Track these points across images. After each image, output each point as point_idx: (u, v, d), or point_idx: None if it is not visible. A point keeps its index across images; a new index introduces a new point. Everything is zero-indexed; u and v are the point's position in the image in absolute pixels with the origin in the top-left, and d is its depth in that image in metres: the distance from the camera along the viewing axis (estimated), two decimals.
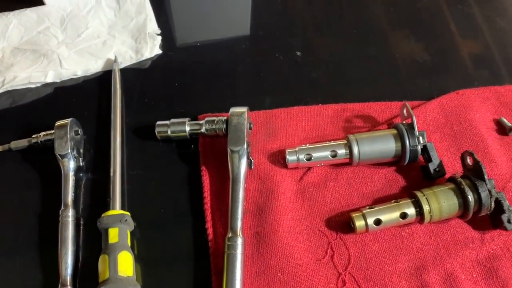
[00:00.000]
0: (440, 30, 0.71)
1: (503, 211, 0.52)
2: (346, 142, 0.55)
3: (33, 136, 0.57)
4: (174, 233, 0.53)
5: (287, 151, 0.56)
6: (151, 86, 0.64)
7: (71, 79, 0.64)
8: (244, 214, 0.53)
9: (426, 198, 0.51)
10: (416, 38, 0.69)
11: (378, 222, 0.51)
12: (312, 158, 0.55)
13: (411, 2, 0.73)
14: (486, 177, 0.51)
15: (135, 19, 0.68)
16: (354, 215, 0.52)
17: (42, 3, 0.68)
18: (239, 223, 0.50)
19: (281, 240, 0.51)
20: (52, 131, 0.55)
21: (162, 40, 0.68)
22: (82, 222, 0.53)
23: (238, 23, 0.72)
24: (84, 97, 0.63)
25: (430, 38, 0.69)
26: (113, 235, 0.49)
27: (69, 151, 0.54)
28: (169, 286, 0.50)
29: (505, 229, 0.52)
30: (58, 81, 0.64)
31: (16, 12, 0.68)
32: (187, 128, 0.57)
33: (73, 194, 0.53)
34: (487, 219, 0.54)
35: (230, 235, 0.50)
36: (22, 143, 0.57)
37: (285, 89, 0.64)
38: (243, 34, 0.70)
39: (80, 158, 0.56)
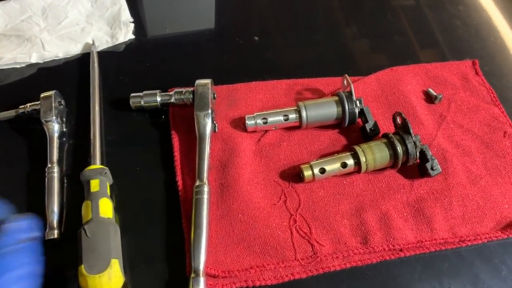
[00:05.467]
0: (378, 17, 0.82)
1: (427, 160, 0.62)
2: (296, 108, 0.65)
3: (20, 107, 0.63)
4: (148, 188, 0.60)
5: (246, 116, 0.64)
6: (125, 66, 0.72)
7: (53, 60, 0.71)
8: (210, 169, 0.61)
9: (362, 150, 0.61)
10: (357, 24, 0.80)
11: (323, 171, 0.60)
12: (268, 122, 0.64)
13: None
14: (412, 131, 0.61)
15: (110, 9, 0.76)
16: (303, 166, 0.60)
17: None
18: (205, 174, 0.59)
19: (242, 189, 0.60)
20: (38, 102, 0.62)
21: (135, 27, 0.76)
22: (65, 180, 0.60)
23: (203, 12, 0.82)
24: (65, 77, 0.70)
25: (369, 23, 0.81)
26: (94, 185, 0.55)
27: (54, 117, 0.61)
28: (143, 229, 0.57)
29: (430, 175, 0.62)
30: (41, 62, 0.70)
31: (1, 3, 0.75)
32: (158, 99, 0.65)
33: (57, 155, 0.60)
34: (416, 170, 0.64)
35: (197, 183, 0.58)
36: (9, 113, 0.63)
37: (245, 68, 0.73)
38: (208, 21, 0.79)
39: (63, 124, 0.63)
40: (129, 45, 0.74)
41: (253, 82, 0.71)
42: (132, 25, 0.76)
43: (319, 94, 0.70)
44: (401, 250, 0.57)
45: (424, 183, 0.63)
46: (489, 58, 0.78)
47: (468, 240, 0.58)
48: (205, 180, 0.58)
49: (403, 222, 0.59)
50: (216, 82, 0.68)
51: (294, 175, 0.62)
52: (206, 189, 0.57)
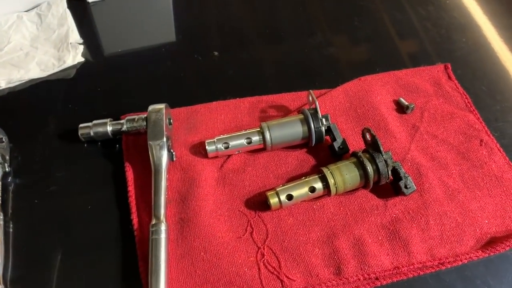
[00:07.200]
0: (344, 23, 0.78)
1: (400, 179, 0.58)
2: (259, 129, 0.60)
3: None
4: (101, 227, 0.56)
5: (206, 141, 0.60)
6: (75, 93, 0.67)
7: None
8: (168, 203, 0.57)
9: (330, 172, 0.57)
10: (322, 34, 0.76)
11: (290, 197, 0.56)
12: (230, 146, 0.60)
13: (317, 2, 0.80)
14: (382, 149, 0.57)
15: (57, 31, 0.71)
16: (268, 193, 0.56)
17: None
18: (162, 210, 0.54)
19: (204, 223, 0.55)
20: None
21: (86, 49, 0.71)
22: (11, 225, 0.55)
23: (159, 29, 0.76)
24: (8, 108, 0.65)
25: (335, 31, 0.76)
26: None
27: None
28: (98, 274, 0.52)
29: (404, 194, 0.58)
30: None
31: None
32: (109, 128, 0.60)
33: (0, 198, 0.55)
34: (390, 189, 0.60)
35: (154, 222, 0.53)
36: None
37: (205, 86, 0.69)
38: (165, 38, 0.74)
39: (6, 164, 0.58)
40: (79, 69, 0.69)
41: (214, 102, 0.66)
42: (82, 47, 0.71)
43: (284, 111, 0.66)
44: (377, 278, 0.54)
45: (398, 202, 0.59)
46: (461, 60, 0.74)
47: (448, 262, 0.55)
48: (162, 217, 0.53)
49: (378, 247, 0.56)
50: (173, 105, 0.64)
51: (260, 203, 0.58)
52: (163, 227, 0.53)
